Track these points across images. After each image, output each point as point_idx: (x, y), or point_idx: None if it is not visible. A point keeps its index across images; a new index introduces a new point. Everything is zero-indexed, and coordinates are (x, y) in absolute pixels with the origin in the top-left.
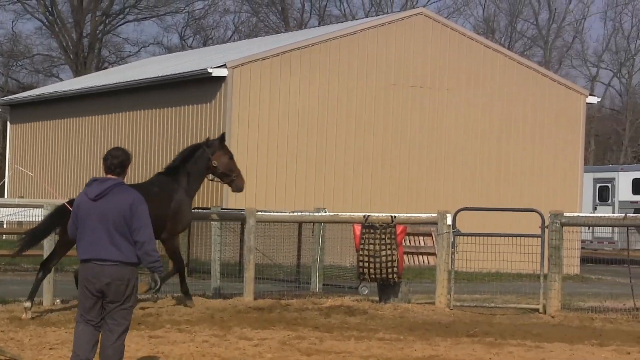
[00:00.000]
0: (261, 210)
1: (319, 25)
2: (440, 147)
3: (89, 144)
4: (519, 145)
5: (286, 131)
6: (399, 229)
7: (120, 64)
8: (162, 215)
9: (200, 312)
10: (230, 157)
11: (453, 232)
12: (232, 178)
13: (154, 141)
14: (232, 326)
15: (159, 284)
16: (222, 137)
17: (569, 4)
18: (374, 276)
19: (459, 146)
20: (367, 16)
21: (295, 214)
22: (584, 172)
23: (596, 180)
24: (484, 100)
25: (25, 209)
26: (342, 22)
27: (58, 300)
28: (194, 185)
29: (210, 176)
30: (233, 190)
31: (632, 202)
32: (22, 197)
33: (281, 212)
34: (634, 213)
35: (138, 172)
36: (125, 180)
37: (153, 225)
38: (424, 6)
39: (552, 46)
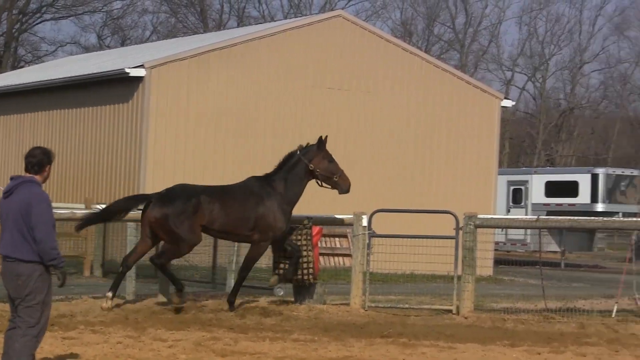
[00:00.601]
0: None
1: (238, 26)
2: (359, 149)
3: (5, 143)
4: (435, 148)
5: (205, 133)
6: (315, 230)
7: (36, 63)
8: (246, 217)
9: (115, 313)
10: (330, 160)
11: (368, 233)
12: (335, 180)
13: (71, 141)
14: (146, 327)
15: (62, 280)
16: (319, 141)
17: (485, 8)
18: (289, 277)
19: (378, 148)
20: (286, 18)
21: None
22: (499, 174)
23: (510, 183)
24: (402, 102)
25: None
26: (261, 23)
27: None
28: (292, 192)
29: (319, 182)
30: (339, 193)
31: (544, 204)
32: None
33: None
34: (546, 215)
35: (53, 172)
36: (41, 179)
37: (235, 225)
38: (342, 9)
39: (469, 50)
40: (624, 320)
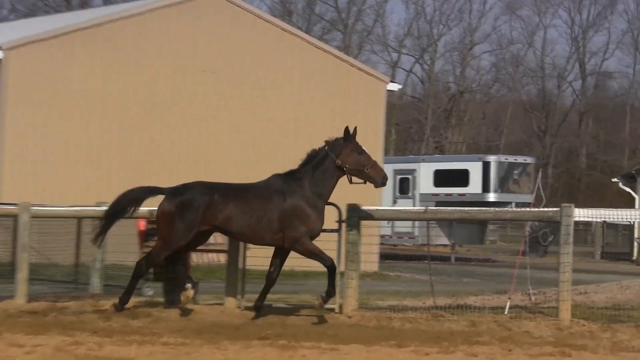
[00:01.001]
0: (37, 205)
1: (105, 4)
2: (234, 135)
3: None
4: (316, 134)
5: (68, 118)
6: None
7: None
8: (268, 216)
9: None
10: (360, 152)
11: None
12: (367, 173)
13: None
14: (1, 332)
15: None
16: (346, 133)
17: None
18: (159, 276)
19: (256, 134)
20: None
21: (74, 208)
22: (384, 163)
23: (396, 172)
24: (281, 86)
25: None
26: (129, 1)
27: None
28: (319, 188)
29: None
30: (375, 187)
31: (433, 194)
32: None
33: (59, 207)
34: (435, 207)
35: None
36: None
37: (254, 227)
38: None
39: (352, 30)
40: (517, 317)
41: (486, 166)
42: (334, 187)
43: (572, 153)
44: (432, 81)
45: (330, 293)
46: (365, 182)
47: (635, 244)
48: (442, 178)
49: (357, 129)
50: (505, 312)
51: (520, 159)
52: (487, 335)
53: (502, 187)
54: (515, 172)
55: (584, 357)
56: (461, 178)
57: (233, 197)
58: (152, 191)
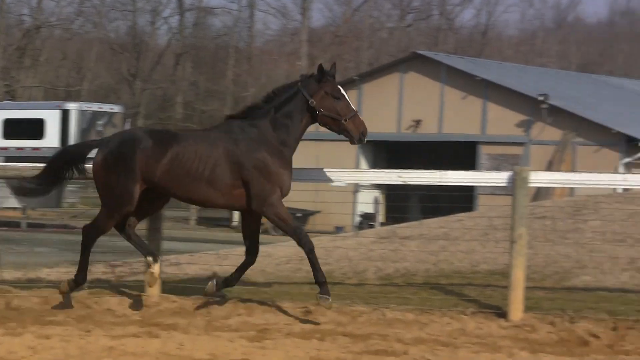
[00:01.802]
0: None
1: None
2: None
3: None
4: None
5: None
6: None
7: None
8: (224, 175)
9: None
10: (337, 96)
11: None
12: (343, 125)
13: None
14: None
15: None
16: (320, 70)
17: None
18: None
19: None
20: None
21: None
22: None
23: None
24: None
25: None
26: None
27: None
28: (285, 135)
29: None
30: (351, 143)
31: (2, 148)
32: None
33: None
34: (5, 162)
35: None
36: None
37: (197, 185)
38: None
39: None
40: (98, 293)
41: (65, 115)
42: (302, 134)
43: (167, 101)
44: (3, 13)
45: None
46: (338, 134)
47: None
48: (13, 129)
49: (335, 65)
50: (84, 287)
51: (105, 107)
52: (63, 314)
53: (85, 139)
54: (100, 122)
55: (175, 338)
56: (36, 129)
57: (174, 146)
58: (90, 145)
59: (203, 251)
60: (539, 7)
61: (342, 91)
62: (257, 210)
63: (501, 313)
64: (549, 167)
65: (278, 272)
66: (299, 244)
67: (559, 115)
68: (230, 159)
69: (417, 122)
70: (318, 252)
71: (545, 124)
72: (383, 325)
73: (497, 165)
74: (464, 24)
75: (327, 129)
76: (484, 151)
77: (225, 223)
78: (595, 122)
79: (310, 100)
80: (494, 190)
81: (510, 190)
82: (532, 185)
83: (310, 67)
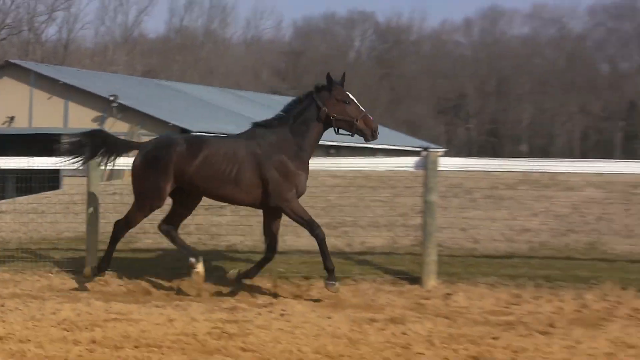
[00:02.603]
0: None
1: None
2: None
3: None
4: None
5: None
6: None
7: None
8: (247, 175)
9: None
10: (347, 101)
11: None
12: (356, 125)
13: None
14: None
15: None
16: (328, 79)
17: None
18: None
19: None
20: None
21: None
22: None
23: None
24: None
25: None
26: None
27: None
28: (302, 140)
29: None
30: (366, 141)
31: None
32: None
33: None
34: None
35: None
36: None
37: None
38: None
39: None
40: None
41: None
42: (318, 140)
43: None
44: None
45: (329, 267)
46: (353, 135)
47: None
48: None
49: (344, 75)
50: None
51: None
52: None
53: None
54: None
55: None
56: None
57: (204, 149)
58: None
59: None
60: (109, 24)
61: (351, 96)
62: (275, 205)
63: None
64: None
65: None
66: (312, 234)
67: (127, 112)
68: (254, 162)
69: (11, 118)
70: None
71: (116, 119)
72: None
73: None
74: (49, 38)
75: (343, 131)
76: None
77: None
78: (155, 117)
79: (323, 109)
80: (76, 173)
81: (86, 172)
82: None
83: None
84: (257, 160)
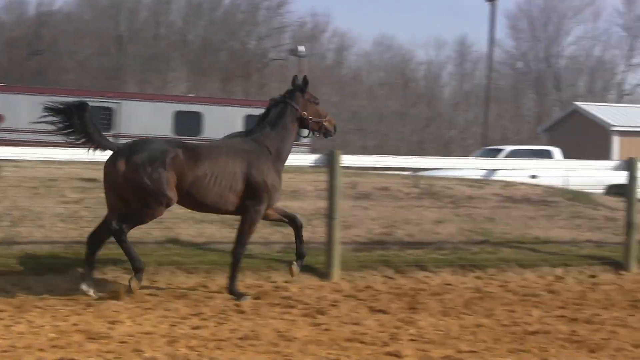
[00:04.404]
0: None
1: None
2: None
3: None
4: None
5: None
6: None
7: None
8: (235, 182)
9: None
10: (316, 102)
11: None
12: (325, 125)
13: None
14: None
15: None
16: (304, 81)
17: None
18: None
19: None
20: None
21: None
22: None
23: None
24: None
25: None
26: None
27: None
28: (279, 144)
29: (306, 132)
30: (326, 137)
31: None
32: None
33: None
34: None
35: None
36: None
37: (220, 195)
38: None
39: None
40: None
41: None
42: (292, 145)
43: None
44: None
45: (232, 289)
46: (319, 135)
47: None
48: None
49: (306, 79)
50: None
51: None
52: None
53: None
54: None
55: None
56: None
57: (204, 156)
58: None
59: None
60: None
61: (316, 97)
62: (245, 211)
63: None
64: None
65: None
66: (234, 250)
67: None
68: (234, 171)
69: None
70: None
71: None
72: None
73: None
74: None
75: (311, 132)
76: None
77: None
78: None
79: (301, 112)
80: None
81: None
82: None
83: None
84: (237, 169)
